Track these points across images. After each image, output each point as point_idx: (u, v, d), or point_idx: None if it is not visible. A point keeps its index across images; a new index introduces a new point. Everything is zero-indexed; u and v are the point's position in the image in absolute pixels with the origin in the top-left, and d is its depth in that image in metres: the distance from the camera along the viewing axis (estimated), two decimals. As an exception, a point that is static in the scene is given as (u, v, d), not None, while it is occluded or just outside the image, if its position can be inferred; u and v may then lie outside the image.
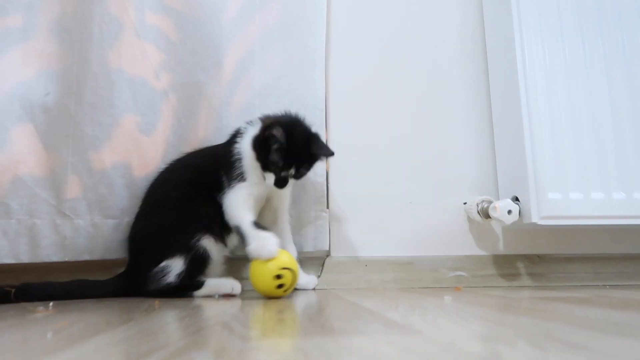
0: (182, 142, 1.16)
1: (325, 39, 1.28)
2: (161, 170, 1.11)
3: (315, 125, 1.21)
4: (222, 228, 1.02)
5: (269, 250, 0.91)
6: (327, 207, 1.23)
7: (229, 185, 1.02)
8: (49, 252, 1.03)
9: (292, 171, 1.01)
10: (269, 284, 0.89)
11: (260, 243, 0.92)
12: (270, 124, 0.98)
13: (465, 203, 1.26)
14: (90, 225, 1.07)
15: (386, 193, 1.26)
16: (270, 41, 1.25)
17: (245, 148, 1.02)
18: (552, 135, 1.13)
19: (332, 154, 1.06)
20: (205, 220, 1.00)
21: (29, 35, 1.05)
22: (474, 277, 1.23)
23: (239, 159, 1.02)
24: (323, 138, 1.17)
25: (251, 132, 1.03)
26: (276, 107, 1.20)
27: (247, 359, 0.40)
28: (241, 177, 1.01)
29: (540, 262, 1.26)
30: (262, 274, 0.90)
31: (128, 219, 1.10)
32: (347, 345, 0.46)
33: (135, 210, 1.09)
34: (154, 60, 1.15)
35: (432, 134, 1.30)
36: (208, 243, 0.99)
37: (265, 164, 0.99)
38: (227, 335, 0.53)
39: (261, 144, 0.99)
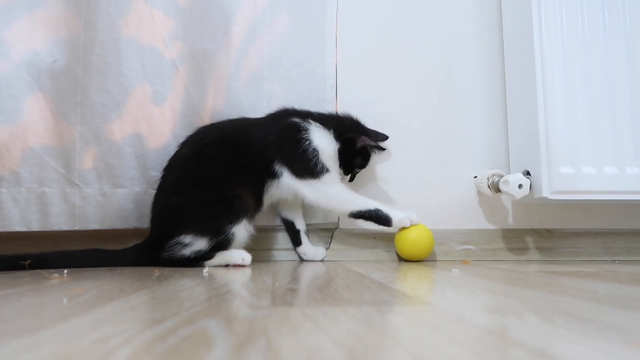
0: (191, 112, 1.15)
1: (336, 13, 1.25)
2: (193, 142, 1.07)
3: (327, 101, 1.22)
4: (255, 211, 1.06)
5: (415, 219, 1.11)
6: (337, 180, 1.23)
7: (311, 177, 1.05)
8: (59, 220, 1.04)
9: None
10: None
11: (407, 217, 1.10)
12: (355, 137, 1.12)
13: (475, 177, 1.25)
14: (99, 194, 1.08)
15: (395, 166, 1.26)
16: (279, 12, 1.23)
17: (321, 145, 1.07)
18: (567, 109, 1.11)
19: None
20: (245, 205, 1.02)
21: (36, 2, 1.03)
22: (482, 251, 1.23)
23: (317, 154, 1.06)
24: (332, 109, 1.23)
25: (319, 132, 1.08)
26: (285, 80, 1.19)
27: (257, 327, 0.40)
28: (325, 169, 1.06)
29: (550, 237, 1.25)
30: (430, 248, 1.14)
31: (138, 188, 1.10)
32: (356, 315, 0.46)
33: (145, 179, 1.10)
34: (162, 28, 1.13)
35: (443, 106, 1.28)
36: (238, 228, 1.00)
37: (348, 163, 1.13)
38: (238, 304, 0.54)
39: (348, 150, 1.12)
